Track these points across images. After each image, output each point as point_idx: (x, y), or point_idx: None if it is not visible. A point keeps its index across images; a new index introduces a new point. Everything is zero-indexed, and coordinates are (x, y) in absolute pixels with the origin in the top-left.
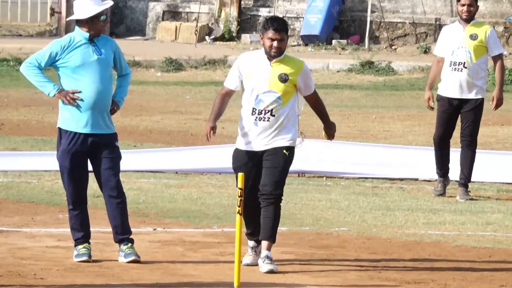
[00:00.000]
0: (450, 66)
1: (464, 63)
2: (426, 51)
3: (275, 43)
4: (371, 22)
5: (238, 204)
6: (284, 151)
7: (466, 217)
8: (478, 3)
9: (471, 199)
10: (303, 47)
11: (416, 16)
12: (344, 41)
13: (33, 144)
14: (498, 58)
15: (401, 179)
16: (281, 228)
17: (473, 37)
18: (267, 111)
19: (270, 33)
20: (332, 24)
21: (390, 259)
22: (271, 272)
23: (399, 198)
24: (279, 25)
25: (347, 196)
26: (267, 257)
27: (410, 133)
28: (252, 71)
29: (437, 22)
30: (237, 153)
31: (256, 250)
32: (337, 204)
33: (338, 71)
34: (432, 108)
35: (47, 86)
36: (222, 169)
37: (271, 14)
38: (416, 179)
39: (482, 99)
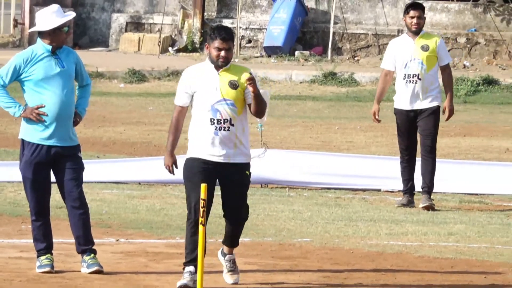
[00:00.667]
0: (404, 79)
1: (418, 75)
2: (357, 59)
3: (222, 53)
4: (334, 33)
5: (201, 215)
6: (247, 171)
7: (428, 227)
8: (441, 14)
9: (432, 205)
10: (266, 59)
11: (379, 28)
12: (307, 52)
13: None
14: (447, 67)
15: (364, 190)
16: (244, 239)
17: (425, 48)
18: (226, 121)
19: (217, 43)
20: (295, 36)
21: (353, 269)
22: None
23: (362, 208)
24: (227, 34)
25: (309, 207)
26: (233, 261)
27: (373, 144)
28: (201, 83)
29: (399, 33)
30: (193, 162)
31: (193, 275)
32: (299, 215)
33: (301, 82)
34: (378, 121)
35: (12, 106)
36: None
37: (235, 26)
38: (379, 190)
39: (438, 106)
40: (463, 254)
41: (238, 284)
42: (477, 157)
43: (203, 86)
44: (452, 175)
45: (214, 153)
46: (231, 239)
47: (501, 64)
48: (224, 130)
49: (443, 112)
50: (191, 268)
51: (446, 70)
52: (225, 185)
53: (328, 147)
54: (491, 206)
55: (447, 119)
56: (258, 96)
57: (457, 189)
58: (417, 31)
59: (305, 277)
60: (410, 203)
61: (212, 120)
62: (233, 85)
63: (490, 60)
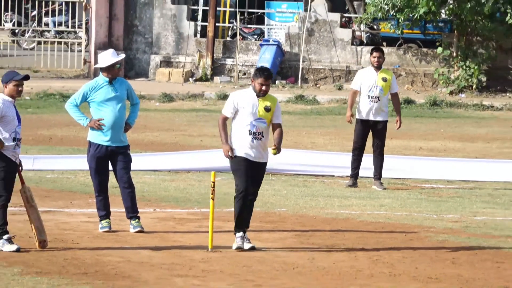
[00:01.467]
0: (368, 98)
1: (378, 97)
2: (340, 88)
3: (263, 87)
4: (302, 68)
5: (212, 193)
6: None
7: (366, 201)
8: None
9: (384, 188)
10: None
11: (333, 64)
12: (284, 81)
13: (71, 151)
14: (396, 94)
15: (323, 175)
16: None
17: (384, 79)
18: (259, 133)
19: (261, 80)
20: (275, 70)
21: (315, 230)
22: (253, 249)
23: (321, 188)
24: (268, 75)
25: (285, 187)
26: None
27: (329, 144)
28: (246, 104)
29: (347, 68)
30: (237, 159)
31: (244, 238)
32: (278, 192)
33: (279, 102)
34: (351, 123)
35: (82, 119)
36: (201, 168)
37: (235, 63)
38: (333, 176)
39: (387, 121)
40: (390, 219)
41: (231, 243)
42: (400, 153)
43: (247, 107)
44: (385, 166)
45: (251, 154)
46: (248, 218)
47: (416, 90)
48: (258, 139)
49: (396, 123)
50: (240, 233)
51: (396, 96)
52: (253, 176)
53: (298, 146)
54: (409, 186)
55: (398, 128)
56: (280, 142)
57: (386, 174)
58: (378, 67)
59: (282, 235)
60: (354, 185)
61: (250, 131)
62: (267, 110)
63: (409, 87)
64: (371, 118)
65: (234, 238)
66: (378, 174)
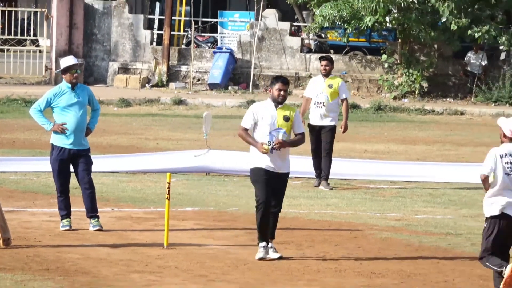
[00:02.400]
0: (314, 104)
1: (323, 103)
2: (289, 93)
3: (282, 92)
4: (253, 74)
5: (167, 193)
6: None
7: (314, 201)
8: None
9: (331, 188)
10: (209, 91)
11: (283, 71)
12: (236, 87)
13: (34, 154)
14: (345, 100)
15: None
16: (194, 208)
17: (330, 86)
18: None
19: (279, 85)
20: (228, 76)
21: None
22: (280, 258)
23: None
24: (285, 80)
25: (238, 187)
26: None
27: None
28: (264, 115)
29: (297, 75)
30: (257, 170)
31: (266, 248)
32: (231, 193)
33: (232, 107)
34: None
35: (46, 124)
36: (157, 170)
37: (189, 70)
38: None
39: (335, 125)
40: (337, 218)
41: (185, 240)
42: (346, 155)
43: (266, 117)
44: (332, 167)
45: (270, 165)
46: (274, 228)
47: (361, 95)
48: (276, 150)
49: (341, 128)
50: (263, 243)
51: (344, 102)
52: (274, 187)
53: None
54: (355, 186)
55: (343, 133)
56: (291, 143)
57: (334, 175)
58: (326, 74)
59: (234, 233)
60: (319, 185)
61: (269, 142)
62: (286, 119)
63: (355, 92)
64: (317, 123)
65: (258, 248)
66: (325, 175)
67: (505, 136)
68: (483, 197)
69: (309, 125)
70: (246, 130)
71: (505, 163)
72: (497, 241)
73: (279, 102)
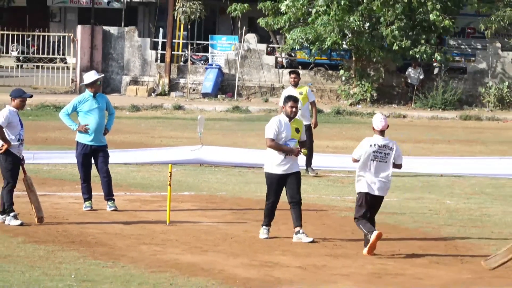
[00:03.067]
0: None
1: (298, 107)
2: (266, 100)
3: (293, 109)
4: (237, 85)
5: (169, 180)
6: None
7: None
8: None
9: (317, 173)
10: (203, 99)
11: (261, 83)
12: (224, 96)
13: (62, 149)
14: (313, 102)
15: (253, 167)
16: (190, 193)
17: (301, 93)
18: None
19: (291, 103)
20: (217, 87)
21: (248, 208)
22: (313, 241)
23: (253, 177)
24: (296, 99)
25: (226, 176)
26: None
27: (258, 143)
28: (283, 128)
29: (272, 86)
30: (272, 176)
31: (269, 230)
32: (220, 180)
33: (221, 111)
34: None
35: (72, 125)
36: (161, 162)
37: (186, 82)
38: (261, 167)
39: (309, 124)
40: (305, 200)
41: (184, 218)
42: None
43: (284, 130)
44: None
45: (284, 168)
46: (298, 217)
47: (324, 102)
48: (289, 156)
49: (312, 124)
50: (267, 227)
51: (313, 104)
52: (291, 184)
53: (235, 144)
54: (319, 175)
55: (314, 128)
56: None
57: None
58: (295, 85)
59: (223, 212)
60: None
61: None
62: (297, 131)
63: (319, 100)
64: None
65: (261, 229)
66: (309, 163)
67: (374, 129)
68: (421, 183)
69: None
70: (273, 140)
71: (373, 151)
72: (364, 209)
73: (291, 117)
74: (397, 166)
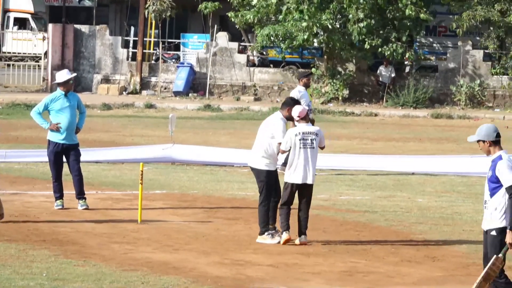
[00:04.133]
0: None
1: (311, 108)
2: (238, 99)
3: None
4: (209, 84)
5: (140, 179)
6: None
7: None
8: (264, 74)
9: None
10: (174, 98)
11: (232, 81)
12: (195, 94)
13: (34, 148)
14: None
15: (225, 165)
16: (162, 191)
17: (311, 95)
18: None
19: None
20: (189, 85)
21: (219, 207)
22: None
23: (224, 175)
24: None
25: (197, 174)
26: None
27: (230, 142)
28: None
29: (243, 84)
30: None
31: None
32: (192, 179)
33: (192, 110)
34: None
35: (44, 123)
36: (132, 160)
37: (158, 80)
38: (232, 166)
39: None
40: None
41: (155, 217)
42: None
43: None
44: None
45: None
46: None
47: None
48: None
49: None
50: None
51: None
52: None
53: (206, 143)
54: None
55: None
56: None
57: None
58: (307, 86)
59: (195, 211)
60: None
61: None
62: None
63: None
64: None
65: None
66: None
67: (295, 119)
68: (392, 182)
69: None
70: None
71: (299, 139)
72: (290, 197)
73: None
74: (321, 148)
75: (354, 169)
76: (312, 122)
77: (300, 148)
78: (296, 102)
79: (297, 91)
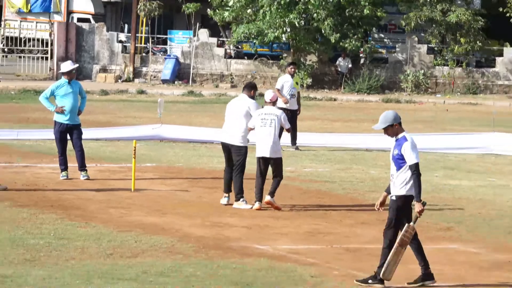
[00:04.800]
0: (288, 94)
1: (294, 94)
2: (217, 86)
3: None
4: (192, 73)
5: (133, 154)
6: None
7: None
8: (240, 65)
9: (297, 147)
10: (163, 85)
11: (212, 71)
12: (180, 82)
13: (42, 127)
14: (299, 93)
15: (206, 142)
16: (152, 164)
17: (297, 83)
18: None
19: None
20: (175, 74)
21: (202, 178)
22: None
23: (205, 151)
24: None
25: (182, 150)
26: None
27: (210, 123)
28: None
29: (221, 73)
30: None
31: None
32: (178, 154)
33: (178, 95)
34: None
35: (50, 107)
36: (126, 138)
37: (148, 70)
38: (212, 143)
39: (296, 110)
40: (250, 171)
41: (146, 186)
42: None
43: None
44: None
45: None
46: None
47: (266, 88)
48: None
49: (298, 111)
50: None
51: (299, 94)
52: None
53: (190, 124)
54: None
55: (298, 114)
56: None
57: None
58: (292, 75)
59: (180, 181)
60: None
61: None
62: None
63: (262, 86)
64: (294, 108)
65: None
66: (292, 141)
67: (265, 102)
68: (349, 156)
69: (286, 110)
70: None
71: (260, 118)
72: (259, 170)
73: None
74: (287, 130)
75: (316, 146)
76: (298, 100)
77: (260, 126)
78: (254, 86)
79: (282, 80)
